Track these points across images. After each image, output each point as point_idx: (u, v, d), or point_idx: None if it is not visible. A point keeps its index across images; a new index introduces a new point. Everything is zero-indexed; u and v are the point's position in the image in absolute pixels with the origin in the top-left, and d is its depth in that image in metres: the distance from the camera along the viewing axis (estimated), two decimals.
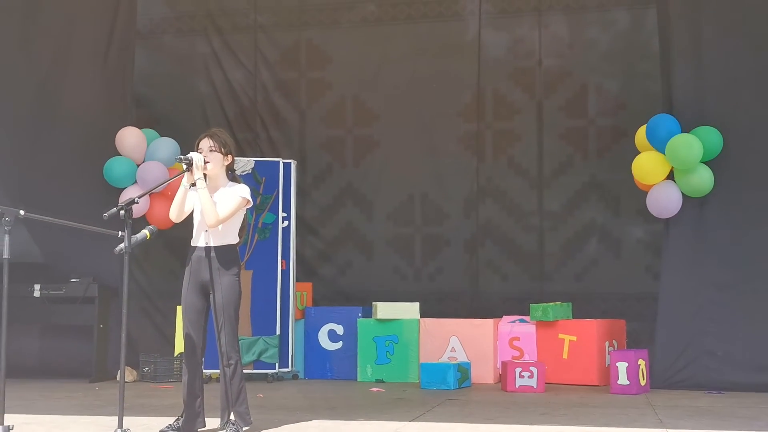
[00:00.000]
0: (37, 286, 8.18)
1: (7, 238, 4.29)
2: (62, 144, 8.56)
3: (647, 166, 7.42)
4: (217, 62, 9.48)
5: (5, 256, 4.34)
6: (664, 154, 7.31)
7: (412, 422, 5.50)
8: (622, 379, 6.96)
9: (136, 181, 8.36)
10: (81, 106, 8.71)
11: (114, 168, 8.33)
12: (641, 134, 7.56)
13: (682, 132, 7.27)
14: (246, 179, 7.81)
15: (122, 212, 4.43)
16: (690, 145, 7.15)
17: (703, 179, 7.27)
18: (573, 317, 7.86)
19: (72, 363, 8.32)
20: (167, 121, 9.05)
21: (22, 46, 8.75)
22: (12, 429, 4.37)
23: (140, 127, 8.62)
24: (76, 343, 8.42)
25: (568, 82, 8.94)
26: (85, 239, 7.66)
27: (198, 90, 9.48)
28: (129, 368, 8.16)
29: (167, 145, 8.46)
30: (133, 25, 8.90)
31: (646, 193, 7.73)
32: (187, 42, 9.60)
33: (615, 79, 8.88)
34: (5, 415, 4.42)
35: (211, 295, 4.85)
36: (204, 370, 7.40)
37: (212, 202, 4.84)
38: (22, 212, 4.35)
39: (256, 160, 8.23)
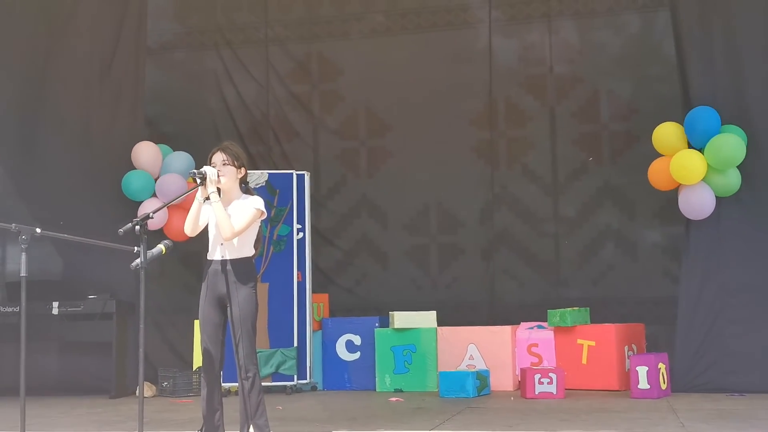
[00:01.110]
0: (55, 304, 8.22)
1: (24, 256, 4.32)
2: (77, 161, 8.64)
3: (688, 165, 7.21)
4: (228, 77, 9.52)
5: (23, 274, 4.37)
6: (702, 149, 7.20)
7: (432, 431, 5.48)
8: (643, 384, 6.91)
9: (154, 194, 8.41)
10: (94, 124, 8.79)
11: (132, 181, 8.40)
12: (659, 135, 7.49)
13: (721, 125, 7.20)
14: (260, 192, 7.83)
15: (137, 227, 4.44)
16: (736, 146, 7.07)
17: (732, 180, 7.23)
18: (591, 322, 7.82)
19: (92, 379, 8.36)
20: (180, 137, 9.10)
21: (34, 64, 8.84)
22: None
23: (153, 142, 8.67)
24: (95, 359, 8.46)
25: (579, 88, 8.92)
26: (102, 255, 7.72)
27: (210, 105, 9.53)
28: (148, 383, 8.18)
29: (182, 159, 8.52)
30: (144, 41, 8.97)
31: (663, 196, 7.70)
32: (197, 57, 9.66)
33: (627, 84, 8.85)
34: None
35: (228, 309, 4.85)
36: (223, 384, 7.49)
37: (227, 215, 4.84)
38: (38, 230, 4.38)
39: (269, 173, 8.25)
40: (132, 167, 8.50)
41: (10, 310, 8.22)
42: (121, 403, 7.54)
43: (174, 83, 9.68)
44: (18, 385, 4.44)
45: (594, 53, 8.97)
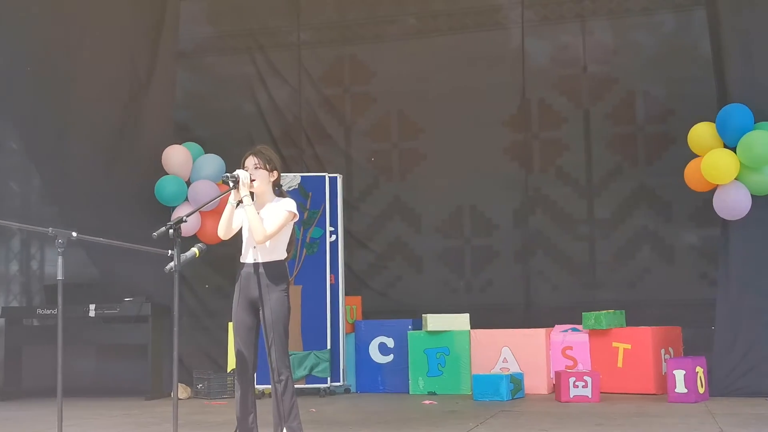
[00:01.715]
0: (92, 306, 8.31)
1: (60, 259, 4.37)
2: (110, 166, 8.74)
3: (720, 164, 7.11)
4: (260, 80, 9.57)
5: (59, 277, 4.42)
6: (734, 148, 7.10)
7: None
8: (680, 387, 6.81)
9: (187, 199, 8.48)
10: (126, 129, 8.90)
11: (165, 187, 8.47)
12: (695, 135, 7.40)
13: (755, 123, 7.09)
14: (293, 195, 7.86)
15: (171, 231, 4.47)
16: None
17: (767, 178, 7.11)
18: (627, 325, 7.74)
19: (128, 381, 8.45)
20: (212, 141, 9.16)
21: (66, 69, 8.96)
22: None
23: (184, 145, 8.76)
24: (131, 361, 8.56)
25: (614, 89, 8.83)
26: (138, 259, 7.77)
27: (242, 108, 9.58)
28: (183, 385, 8.24)
29: (213, 162, 8.57)
30: (176, 45, 9.05)
31: (700, 197, 7.59)
32: (230, 61, 9.71)
33: (663, 84, 8.74)
34: None
35: (261, 312, 4.87)
36: (257, 386, 7.53)
37: (259, 218, 4.86)
38: (74, 234, 4.43)
39: (302, 176, 8.28)
40: (163, 171, 8.58)
41: (48, 312, 8.34)
42: (156, 404, 7.60)
43: (206, 87, 9.75)
44: (52, 386, 4.49)
45: (629, 53, 8.87)
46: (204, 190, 8.33)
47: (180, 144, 8.79)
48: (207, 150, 8.88)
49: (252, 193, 4.92)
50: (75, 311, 8.30)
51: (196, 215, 7.83)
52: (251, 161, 4.98)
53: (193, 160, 8.65)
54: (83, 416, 6.79)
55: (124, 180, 8.81)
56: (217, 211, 7.08)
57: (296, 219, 5.02)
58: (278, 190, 5.08)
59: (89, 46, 9.00)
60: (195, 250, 4.73)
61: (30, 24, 9.07)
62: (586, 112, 8.90)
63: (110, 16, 8.99)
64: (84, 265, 9.07)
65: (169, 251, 4.50)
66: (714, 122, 7.34)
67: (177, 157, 8.55)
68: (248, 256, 4.93)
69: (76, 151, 8.95)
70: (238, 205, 4.92)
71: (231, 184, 4.86)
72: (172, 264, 4.51)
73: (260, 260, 4.89)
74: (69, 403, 7.25)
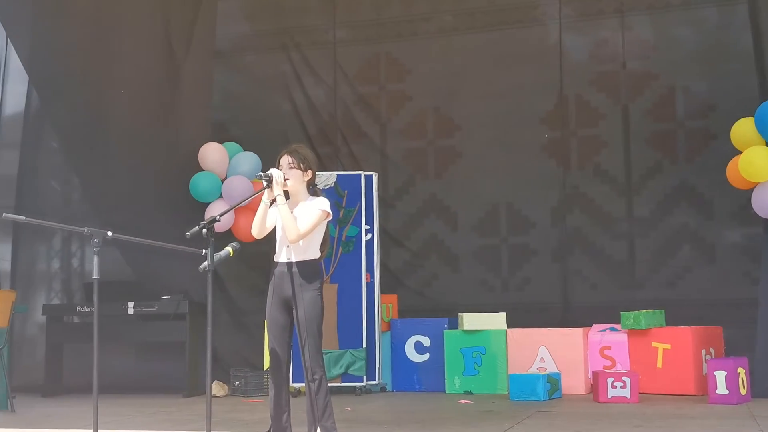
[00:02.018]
0: (130, 304, 8.39)
1: (96, 258, 4.41)
2: (147, 165, 8.82)
3: (757, 162, 6.98)
4: (296, 78, 9.60)
5: (95, 276, 4.46)
6: None
7: None
8: (721, 389, 6.68)
9: (221, 196, 8.53)
10: (163, 127, 8.97)
11: (199, 183, 8.52)
12: (737, 132, 7.25)
13: None
14: (328, 193, 7.88)
15: (204, 230, 4.49)
16: None
17: None
18: (666, 325, 7.62)
19: (165, 378, 8.51)
20: (248, 139, 9.20)
21: (103, 68, 9.06)
22: None
23: (221, 143, 8.80)
24: (169, 358, 8.61)
25: (654, 85, 8.71)
26: (175, 257, 7.82)
27: (278, 107, 9.61)
28: (220, 383, 8.29)
29: (249, 159, 8.61)
30: (213, 44, 9.11)
31: (743, 195, 7.44)
32: (266, 59, 9.75)
33: (704, 80, 8.61)
34: (99, 430, 4.53)
35: (294, 311, 4.87)
36: (293, 384, 7.55)
37: (293, 217, 4.86)
38: (109, 233, 4.47)
39: (337, 174, 8.28)
40: (200, 169, 8.63)
41: (87, 309, 8.44)
42: (193, 402, 7.64)
43: (242, 86, 9.80)
44: (91, 383, 4.53)
45: (669, 49, 8.74)
46: (237, 186, 8.37)
47: (217, 142, 8.85)
48: (244, 149, 8.93)
49: (286, 192, 4.92)
50: (114, 309, 8.39)
51: (230, 212, 7.87)
52: (286, 160, 4.98)
53: (230, 159, 8.70)
54: (121, 413, 6.85)
55: (162, 179, 8.89)
56: (250, 208, 7.11)
57: (330, 218, 5.01)
58: (312, 189, 5.07)
59: (126, 45, 9.08)
60: (229, 249, 4.75)
61: (66, 23, 9.19)
62: (625, 108, 8.78)
63: (146, 15, 9.07)
64: (123, 264, 9.17)
65: (203, 250, 4.52)
66: None
67: (213, 154, 8.61)
68: (282, 255, 4.93)
69: (112, 150, 9.05)
70: (271, 204, 4.92)
71: (265, 183, 4.87)
72: (206, 263, 4.52)
73: (293, 259, 4.89)
74: (108, 401, 7.35)
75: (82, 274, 9.37)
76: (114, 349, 8.73)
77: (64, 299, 9.32)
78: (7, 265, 9.17)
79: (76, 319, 8.85)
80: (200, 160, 8.62)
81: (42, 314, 8.92)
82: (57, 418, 6.72)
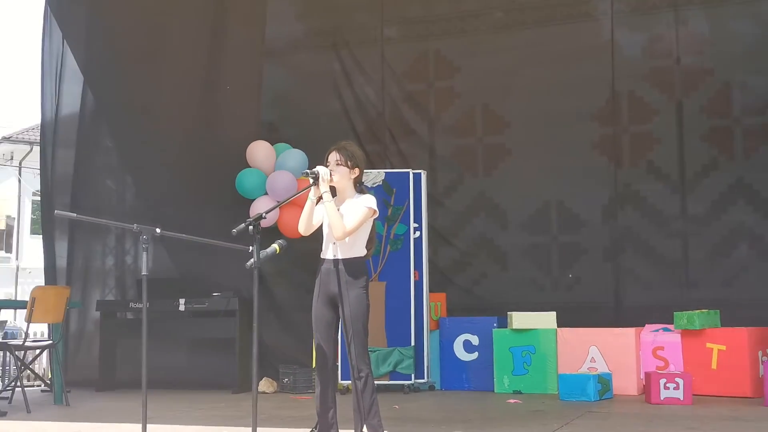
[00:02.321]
0: (182, 301, 8.50)
1: (145, 255, 4.46)
2: (197, 163, 8.94)
3: None
4: (345, 76, 9.59)
5: (144, 272, 4.51)
6: None
7: None
8: None
9: (266, 193, 8.59)
10: (214, 126, 9.07)
11: (245, 180, 8.60)
12: None
13: None
14: (377, 191, 7.88)
15: (251, 227, 4.51)
16: None
17: None
18: (722, 325, 7.45)
19: (216, 375, 8.60)
20: (297, 137, 9.24)
21: (154, 66, 9.19)
22: None
23: (271, 143, 8.87)
24: (219, 355, 8.70)
25: (709, 81, 8.49)
26: (226, 254, 7.91)
27: (327, 104, 9.60)
28: (269, 380, 8.36)
29: (295, 156, 8.66)
30: (262, 42, 9.16)
31: None
32: (315, 58, 9.75)
33: (762, 75, 8.36)
34: (148, 425, 4.60)
35: (340, 308, 4.88)
36: (341, 382, 7.57)
37: (339, 214, 4.86)
38: (158, 230, 4.52)
39: (386, 172, 8.27)
40: (248, 167, 8.71)
41: (140, 306, 8.56)
42: (242, 398, 7.71)
43: (291, 84, 9.83)
44: (147, 378, 4.60)
45: (725, 43, 8.51)
46: (281, 180, 8.41)
47: (267, 141, 8.92)
48: (292, 147, 8.98)
49: (333, 189, 4.93)
50: (166, 305, 8.52)
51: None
52: (334, 157, 4.98)
53: (277, 156, 8.77)
54: (172, 408, 6.94)
55: (213, 177, 9.01)
56: (295, 203, 7.09)
57: (376, 215, 5.00)
58: (360, 187, 5.06)
59: (177, 45, 9.22)
60: (275, 246, 4.77)
61: (120, 24, 9.36)
62: (679, 104, 8.59)
63: (198, 14, 9.18)
64: (174, 260, 9.31)
65: (250, 247, 4.54)
66: None
67: (260, 152, 8.69)
68: (328, 252, 4.94)
69: (165, 149, 9.19)
70: (318, 201, 4.93)
71: (311, 181, 4.88)
72: (252, 260, 4.55)
73: (340, 256, 4.89)
74: (159, 396, 7.48)
75: (135, 271, 9.51)
76: (166, 345, 8.86)
77: (118, 296, 9.48)
78: (63, 263, 9.37)
79: (129, 315, 9.01)
80: (248, 158, 8.70)
81: (96, 310, 9.10)
82: (108, 413, 6.85)
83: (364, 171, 5.10)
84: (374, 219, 5.02)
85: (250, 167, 8.76)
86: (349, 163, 4.97)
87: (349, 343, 4.86)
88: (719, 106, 8.46)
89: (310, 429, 5.12)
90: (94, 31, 9.59)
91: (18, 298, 21.04)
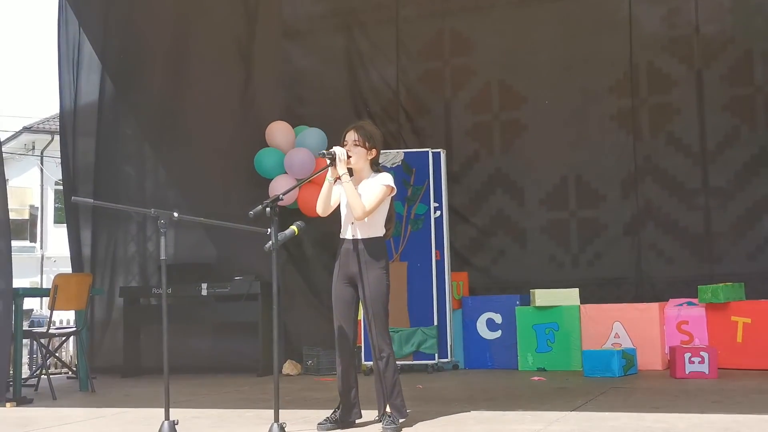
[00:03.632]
0: (204, 285, 8.53)
1: (163, 240, 4.47)
2: (217, 144, 8.96)
3: None
4: (359, 56, 9.54)
5: (162, 257, 4.52)
6: None
7: (573, 412, 5.31)
8: None
9: (285, 171, 8.59)
10: (232, 107, 9.07)
11: (264, 159, 8.59)
12: None
13: None
14: (396, 171, 7.86)
15: (268, 209, 4.50)
16: None
17: None
18: (746, 298, 7.37)
19: (240, 358, 8.65)
20: (314, 117, 9.22)
21: (172, 51, 9.19)
22: (177, 423, 4.55)
23: (289, 123, 8.87)
24: (243, 338, 8.74)
25: (730, 49, 8.36)
26: (247, 237, 7.91)
27: (342, 84, 9.55)
28: (293, 362, 8.39)
29: (314, 135, 8.64)
30: (280, 23, 9.13)
31: None
32: (331, 37, 9.69)
33: None
34: (171, 409, 4.62)
35: (360, 288, 4.87)
36: (365, 363, 7.58)
37: (357, 194, 4.84)
38: (175, 214, 4.52)
39: (405, 152, 8.23)
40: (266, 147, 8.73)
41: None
42: (266, 381, 7.71)
43: (308, 64, 9.78)
44: (171, 364, 4.63)
45: (745, 11, 8.38)
46: (298, 158, 8.39)
47: (283, 121, 8.92)
48: (310, 127, 8.97)
49: (350, 170, 4.91)
50: (188, 290, 8.56)
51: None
52: (351, 136, 4.96)
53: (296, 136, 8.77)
54: (197, 392, 6.98)
55: (232, 159, 9.03)
56: (314, 182, 7.09)
57: (394, 193, 4.97)
58: (377, 167, 5.03)
59: (195, 28, 9.21)
60: (294, 228, 4.76)
61: (137, 9, 9.36)
62: (699, 74, 8.46)
63: None
64: (198, 246, 9.35)
65: (268, 230, 4.53)
66: None
67: (279, 132, 8.69)
68: (347, 233, 4.93)
69: (186, 134, 9.22)
70: (335, 181, 4.91)
71: (328, 161, 4.86)
72: (270, 242, 4.54)
73: (359, 236, 4.88)
74: (184, 380, 7.53)
75: (157, 257, 9.51)
76: (190, 329, 8.91)
77: (141, 282, 9.53)
78: (87, 251, 9.43)
79: (152, 301, 9.05)
80: (267, 138, 8.70)
81: (119, 297, 9.16)
82: (133, 398, 6.90)
83: (383, 152, 5.06)
84: (392, 198, 5.00)
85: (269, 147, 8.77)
86: (366, 144, 4.95)
87: (369, 324, 4.86)
88: (740, 75, 8.34)
89: (333, 410, 5.13)
90: (111, 18, 9.59)
91: (43, 287, 21.27)
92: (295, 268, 9.26)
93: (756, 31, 8.31)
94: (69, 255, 9.43)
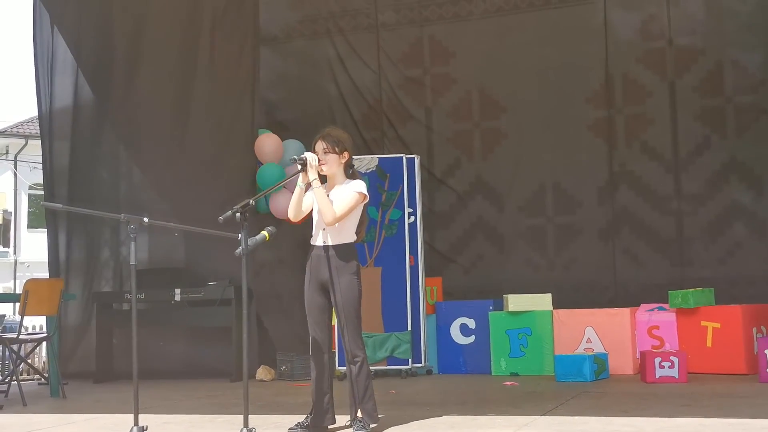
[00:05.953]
0: (177, 290, 8.50)
1: (132, 245, 4.46)
2: (194, 151, 8.94)
3: None
4: (341, 63, 9.59)
5: (132, 262, 4.51)
6: None
7: (543, 416, 5.35)
8: None
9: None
10: (214, 114, 9.05)
11: (265, 175, 8.58)
12: None
13: None
14: (370, 176, 7.88)
15: (238, 215, 4.51)
16: None
17: None
18: (717, 303, 7.46)
19: (213, 363, 8.60)
20: (295, 124, 9.25)
21: (147, 54, 9.16)
22: (146, 429, 4.54)
23: (269, 130, 8.87)
24: (217, 343, 8.70)
25: (701, 61, 8.53)
26: (221, 243, 7.87)
27: (324, 91, 9.61)
28: (267, 367, 8.37)
29: (294, 148, 8.65)
30: (258, 30, 9.13)
31: None
32: (311, 45, 9.75)
33: (754, 53, 8.39)
34: (142, 415, 4.61)
35: (331, 295, 4.88)
36: (338, 368, 7.58)
37: (328, 200, 4.86)
38: (145, 219, 4.52)
39: (379, 157, 8.25)
40: (251, 155, 8.70)
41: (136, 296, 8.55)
42: (240, 386, 7.56)
43: (288, 71, 9.82)
44: (142, 369, 4.62)
45: (717, 23, 8.54)
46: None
47: (265, 128, 8.91)
48: (289, 134, 8.98)
49: (323, 176, 4.92)
50: (161, 296, 8.53)
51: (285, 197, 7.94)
52: (320, 146, 4.98)
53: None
54: (170, 397, 6.96)
55: (210, 165, 8.97)
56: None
57: (367, 200, 5.00)
58: (350, 171, 5.05)
59: (169, 31, 9.16)
60: (265, 233, 4.76)
61: (108, 10, 9.32)
62: (672, 84, 8.60)
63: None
64: (172, 251, 9.30)
65: (239, 235, 4.54)
66: None
67: (269, 145, 8.72)
68: (318, 239, 4.95)
69: (162, 138, 9.18)
70: (307, 188, 4.92)
71: (299, 167, 4.87)
72: (240, 248, 4.54)
73: (330, 243, 4.90)
74: (158, 385, 7.50)
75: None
76: (164, 334, 8.88)
77: (115, 287, 9.48)
78: (62, 255, 9.35)
79: (125, 306, 9.00)
80: (257, 151, 8.71)
81: (92, 302, 9.10)
82: (104, 404, 6.86)
83: (357, 157, 5.09)
84: (365, 204, 5.02)
85: (251, 153, 8.76)
86: (336, 149, 4.97)
87: (342, 329, 4.87)
88: (711, 86, 8.49)
89: (305, 415, 5.14)
90: (86, 18, 9.53)
91: (16, 292, 21.07)
92: (270, 273, 9.24)
93: (726, 42, 8.46)
94: (43, 260, 9.36)
